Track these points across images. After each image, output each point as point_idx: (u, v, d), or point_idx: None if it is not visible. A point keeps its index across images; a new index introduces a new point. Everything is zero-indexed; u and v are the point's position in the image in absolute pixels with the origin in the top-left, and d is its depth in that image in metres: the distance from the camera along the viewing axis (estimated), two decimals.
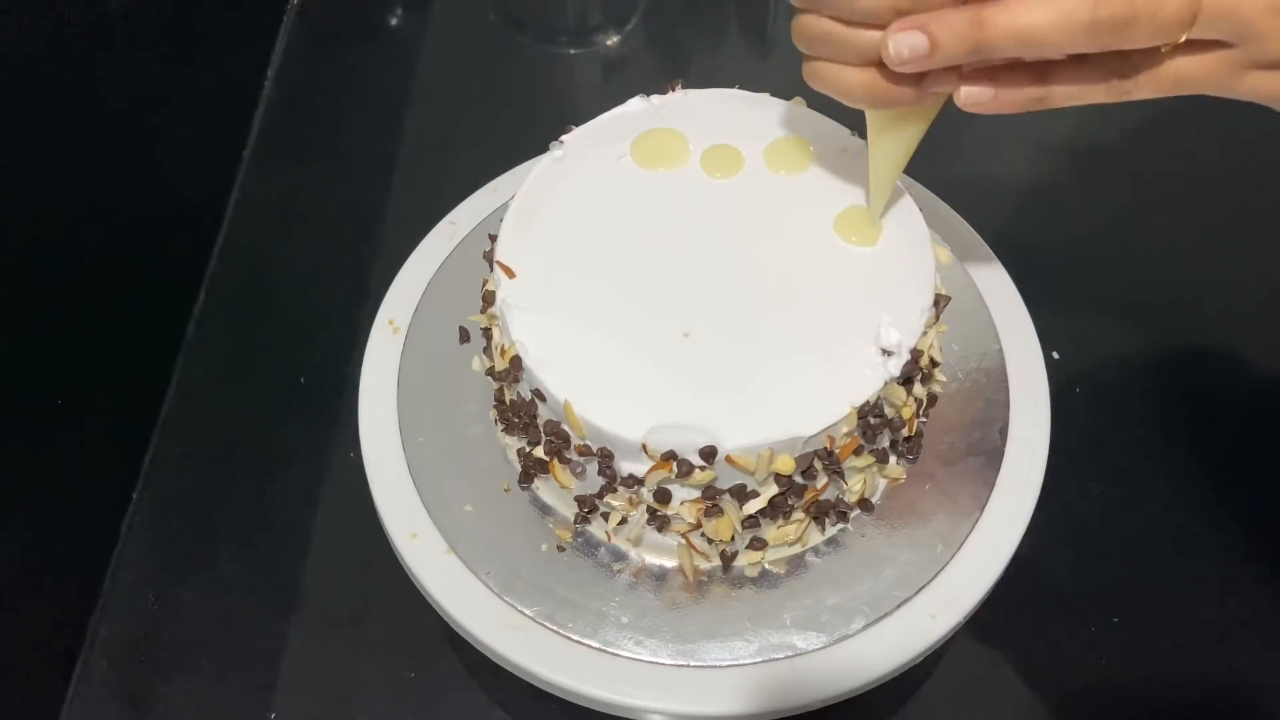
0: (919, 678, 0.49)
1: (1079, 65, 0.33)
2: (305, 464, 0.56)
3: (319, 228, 0.67)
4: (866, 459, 0.42)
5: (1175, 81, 0.34)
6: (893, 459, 0.44)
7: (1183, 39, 0.32)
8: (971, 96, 0.34)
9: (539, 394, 0.41)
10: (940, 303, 0.44)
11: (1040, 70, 0.34)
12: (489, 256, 0.45)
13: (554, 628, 0.41)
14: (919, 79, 0.35)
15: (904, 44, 0.33)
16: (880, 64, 0.35)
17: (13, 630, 0.48)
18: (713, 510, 0.41)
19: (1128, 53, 0.33)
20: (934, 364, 0.44)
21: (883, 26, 0.34)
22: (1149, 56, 0.33)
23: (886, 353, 0.40)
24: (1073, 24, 0.31)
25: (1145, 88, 0.34)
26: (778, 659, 0.41)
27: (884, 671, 0.41)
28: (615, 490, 0.41)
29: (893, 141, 0.40)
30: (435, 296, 0.51)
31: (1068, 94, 0.34)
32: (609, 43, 0.76)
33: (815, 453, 0.40)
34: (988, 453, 0.45)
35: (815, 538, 0.44)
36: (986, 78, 0.34)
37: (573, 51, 0.76)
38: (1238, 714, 0.49)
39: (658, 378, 0.40)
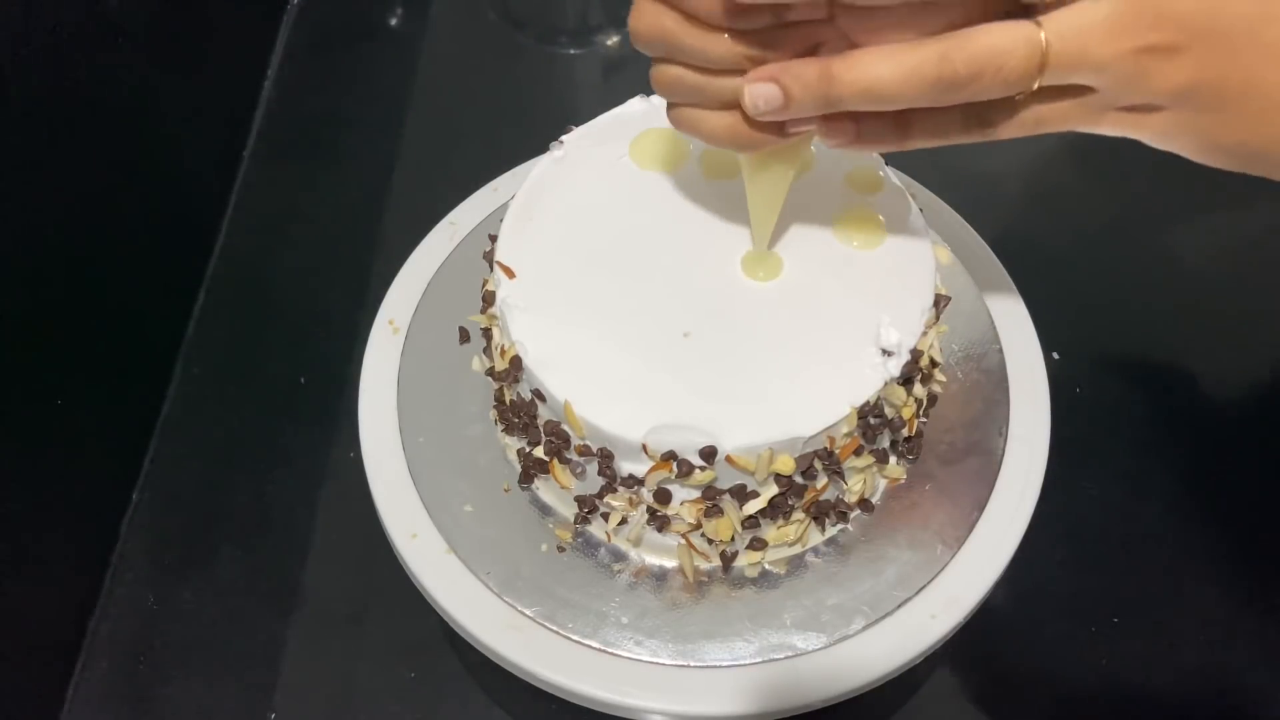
0: (919, 678, 0.49)
1: (938, 112, 0.33)
2: (305, 464, 0.56)
3: (319, 228, 0.67)
4: (866, 459, 0.42)
5: (1037, 123, 0.34)
6: (893, 459, 0.44)
7: (1035, 88, 0.32)
8: (833, 138, 0.35)
9: (539, 394, 0.41)
10: (940, 303, 0.44)
11: (901, 117, 0.34)
12: (489, 256, 0.45)
13: (554, 628, 0.41)
14: (780, 123, 0.35)
15: (759, 95, 0.33)
16: (741, 107, 0.34)
17: (13, 630, 0.48)
18: (713, 510, 0.41)
19: (985, 101, 0.33)
20: (934, 364, 0.44)
21: (741, 71, 0.34)
22: (1006, 103, 0.33)
23: (886, 353, 0.40)
24: (919, 80, 0.31)
25: (1007, 130, 0.34)
26: (778, 659, 0.41)
27: (884, 671, 0.41)
28: (615, 490, 0.41)
29: (767, 180, 0.40)
30: (435, 296, 0.51)
31: (929, 138, 0.34)
32: (609, 43, 0.76)
33: (815, 453, 0.40)
34: (988, 453, 0.45)
35: (815, 538, 0.44)
36: (850, 119, 0.34)
37: (573, 51, 0.76)
38: (1238, 714, 0.49)
39: (658, 378, 0.40)
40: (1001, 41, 0.31)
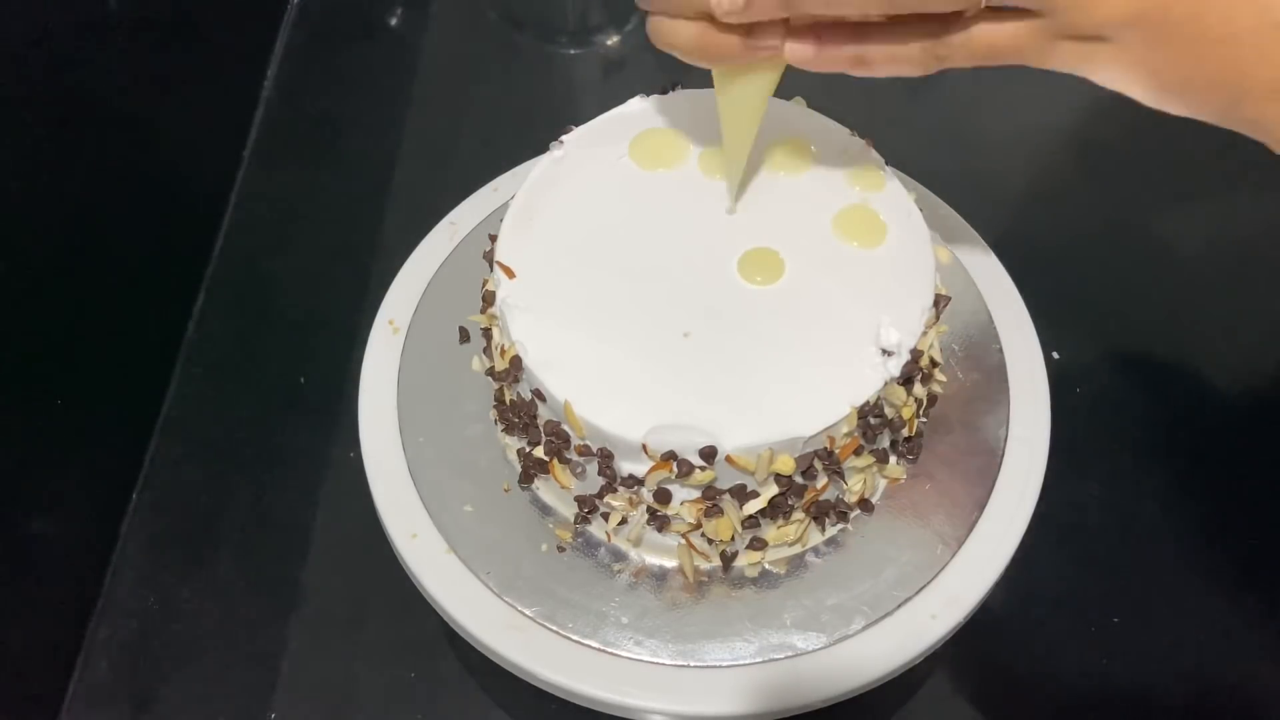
0: (919, 678, 0.49)
1: (894, 29, 0.35)
2: (305, 464, 0.56)
3: (319, 228, 0.67)
4: (866, 459, 0.42)
5: (989, 50, 0.35)
6: (893, 459, 0.44)
7: (984, 4, 0.33)
8: (795, 52, 0.36)
9: (539, 394, 0.41)
10: (940, 303, 0.44)
11: (859, 31, 0.35)
12: (489, 256, 0.45)
13: (554, 628, 0.41)
14: (747, 33, 0.36)
15: None
16: (711, 18, 0.36)
17: (13, 630, 0.48)
18: (713, 510, 0.41)
19: (940, 20, 0.34)
20: (934, 364, 0.44)
21: None
22: (960, 24, 0.34)
23: (886, 353, 0.40)
24: None
25: (959, 55, 0.35)
26: (778, 659, 0.41)
27: (884, 671, 0.41)
28: (615, 490, 0.41)
29: (740, 96, 0.40)
30: (435, 296, 0.51)
31: (885, 57, 0.35)
32: (609, 43, 0.76)
33: (815, 453, 0.40)
34: (988, 453, 0.45)
35: (815, 538, 0.44)
36: (811, 35, 0.36)
37: (573, 51, 0.76)
38: (1238, 714, 0.49)
39: (658, 378, 0.40)
40: None
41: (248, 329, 0.63)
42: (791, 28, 0.36)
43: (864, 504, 0.44)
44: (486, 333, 0.46)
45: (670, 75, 0.50)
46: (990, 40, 0.34)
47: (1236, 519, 0.53)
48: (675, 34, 0.37)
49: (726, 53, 0.37)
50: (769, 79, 0.40)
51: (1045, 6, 0.33)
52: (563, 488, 0.43)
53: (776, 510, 0.41)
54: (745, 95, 0.40)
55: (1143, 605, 0.51)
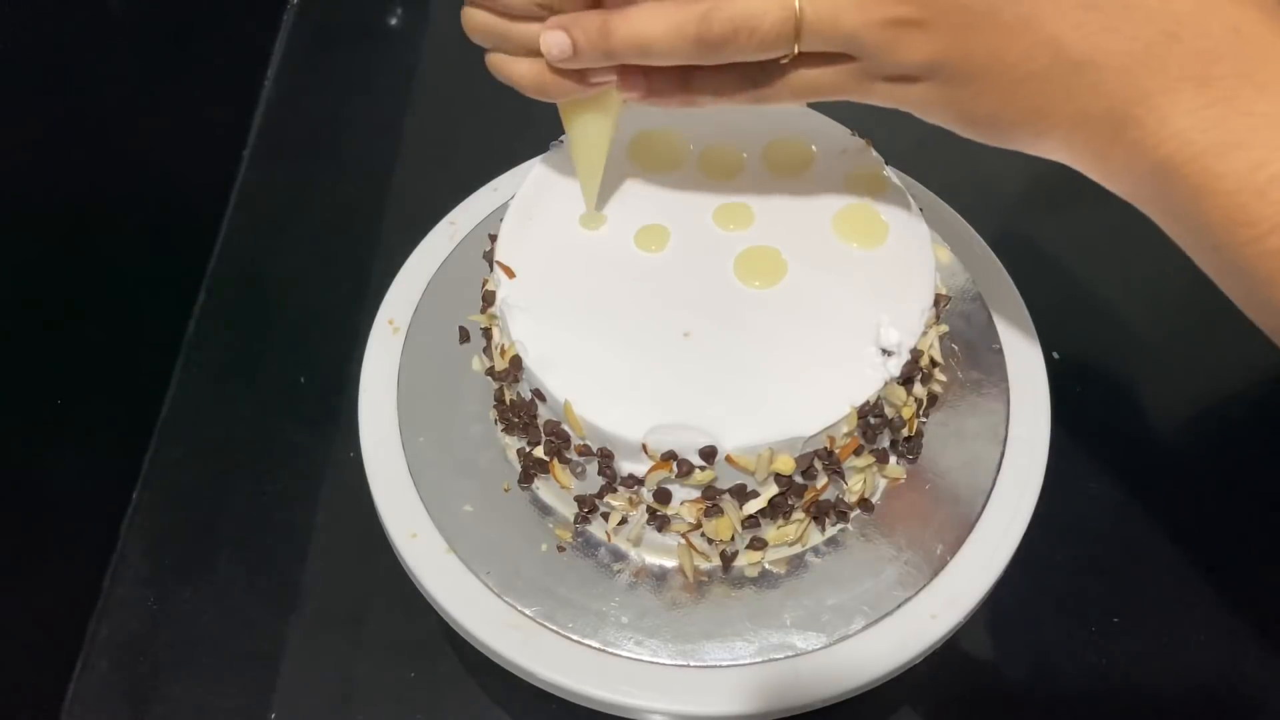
0: (919, 678, 0.49)
1: (716, 71, 0.36)
2: (305, 464, 0.56)
3: (319, 228, 0.67)
4: (866, 459, 0.42)
5: (811, 89, 0.36)
6: (893, 459, 0.44)
7: (796, 51, 0.34)
8: (626, 91, 0.37)
9: (539, 394, 0.41)
10: (940, 303, 0.44)
11: (684, 74, 0.36)
12: (489, 256, 0.45)
13: (554, 628, 0.41)
14: (581, 72, 0.37)
15: (552, 44, 0.36)
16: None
17: (13, 630, 0.48)
18: (713, 510, 0.41)
19: (759, 65, 0.35)
20: (934, 364, 0.44)
21: (542, 19, 0.36)
22: (778, 69, 0.35)
23: (886, 353, 0.40)
24: (681, 37, 0.34)
25: (782, 94, 0.36)
26: (778, 659, 0.41)
27: (884, 671, 0.41)
28: (615, 490, 0.41)
29: (584, 129, 0.41)
30: (435, 296, 0.51)
31: (709, 97, 0.37)
32: None
33: (815, 453, 0.40)
34: (988, 453, 0.45)
35: (815, 538, 0.44)
36: (640, 74, 0.37)
37: None
38: (1238, 714, 0.49)
39: (658, 378, 0.40)
40: (756, 6, 0.33)
41: (248, 329, 0.63)
42: (622, 68, 0.37)
43: (864, 504, 0.44)
44: (486, 333, 0.46)
45: None
46: (810, 82, 0.35)
47: (1237, 519, 0.53)
48: (513, 71, 0.38)
49: (566, 91, 0.38)
50: (610, 111, 0.41)
51: (855, 52, 0.34)
52: (563, 488, 0.43)
53: (776, 510, 0.41)
54: (589, 126, 0.41)
55: (1143, 605, 0.51)
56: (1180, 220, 0.33)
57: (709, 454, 0.38)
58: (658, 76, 0.37)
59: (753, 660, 0.41)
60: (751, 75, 0.36)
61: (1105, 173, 0.34)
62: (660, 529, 0.42)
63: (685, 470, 0.39)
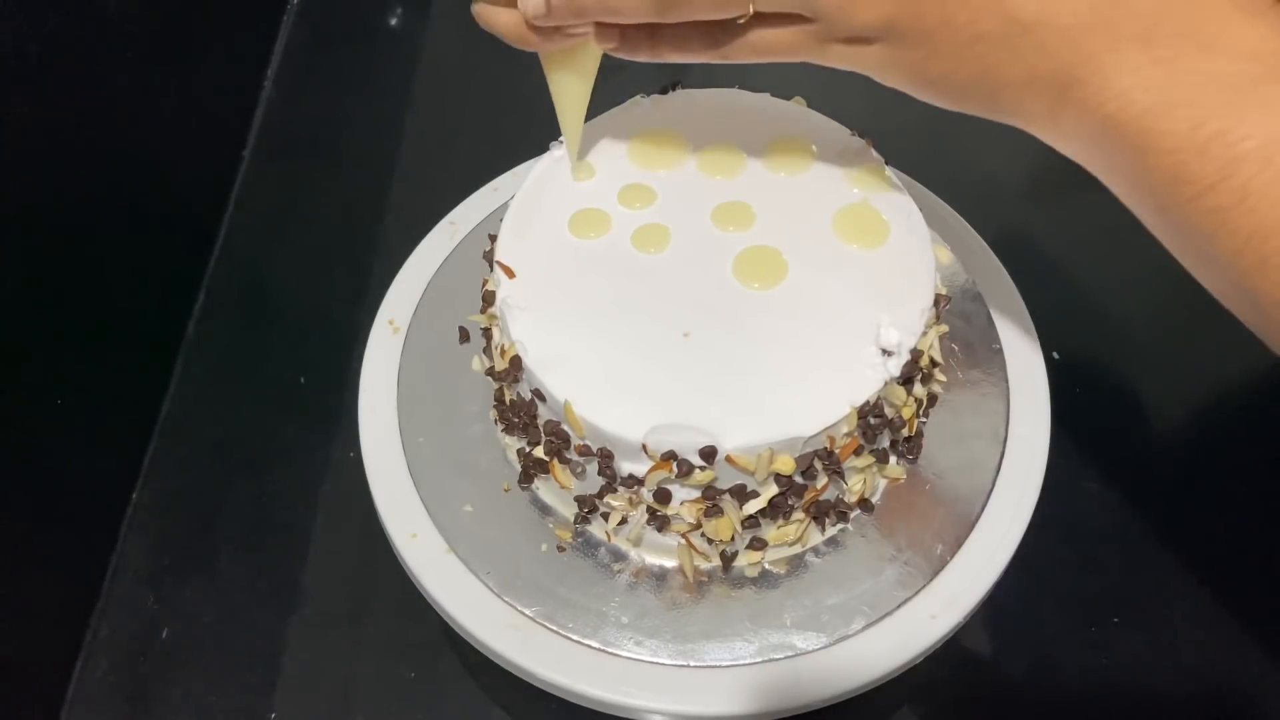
0: (919, 678, 0.49)
1: (680, 27, 0.38)
2: (305, 464, 0.56)
3: (319, 228, 0.67)
4: (866, 459, 0.42)
5: (767, 49, 0.37)
6: (893, 459, 0.44)
7: (752, 12, 0.35)
8: (602, 42, 0.39)
9: (539, 394, 0.41)
10: (940, 303, 0.44)
11: (652, 28, 0.38)
12: (489, 256, 0.45)
13: (554, 628, 0.42)
14: (558, 26, 0.39)
15: (529, 4, 0.38)
16: None
17: (13, 630, 0.48)
18: (713, 510, 0.41)
19: (719, 23, 0.37)
20: (934, 364, 0.44)
21: None
22: (735, 29, 0.37)
23: (886, 353, 0.40)
24: None
25: (742, 52, 0.38)
26: (778, 659, 0.41)
27: (884, 671, 0.41)
28: (615, 490, 0.41)
29: (563, 80, 0.44)
30: (435, 296, 0.51)
31: (673, 51, 0.39)
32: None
33: (815, 453, 0.40)
34: (987, 453, 0.45)
35: (815, 538, 0.44)
36: (615, 28, 0.39)
37: None
38: (1238, 714, 0.49)
39: (658, 378, 0.40)
40: None
41: (248, 329, 0.63)
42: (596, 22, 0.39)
43: (864, 504, 0.44)
44: (486, 333, 0.46)
45: (670, 75, 0.50)
46: (768, 42, 0.37)
47: (1237, 519, 0.53)
48: (495, 20, 0.41)
49: (543, 42, 0.40)
50: (588, 63, 0.43)
51: (810, 12, 0.35)
52: (563, 488, 0.43)
53: (776, 510, 0.41)
54: (568, 76, 0.43)
55: (1143, 605, 0.51)
56: (1127, 180, 0.33)
57: (709, 454, 0.38)
58: (630, 32, 0.39)
59: (753, 660, 0.41)
60: (712, 33, 0.37)
61: (1057, 135, 0.34)
62: (660, 529, 0.42)
63: (685, 470, 0.39)
